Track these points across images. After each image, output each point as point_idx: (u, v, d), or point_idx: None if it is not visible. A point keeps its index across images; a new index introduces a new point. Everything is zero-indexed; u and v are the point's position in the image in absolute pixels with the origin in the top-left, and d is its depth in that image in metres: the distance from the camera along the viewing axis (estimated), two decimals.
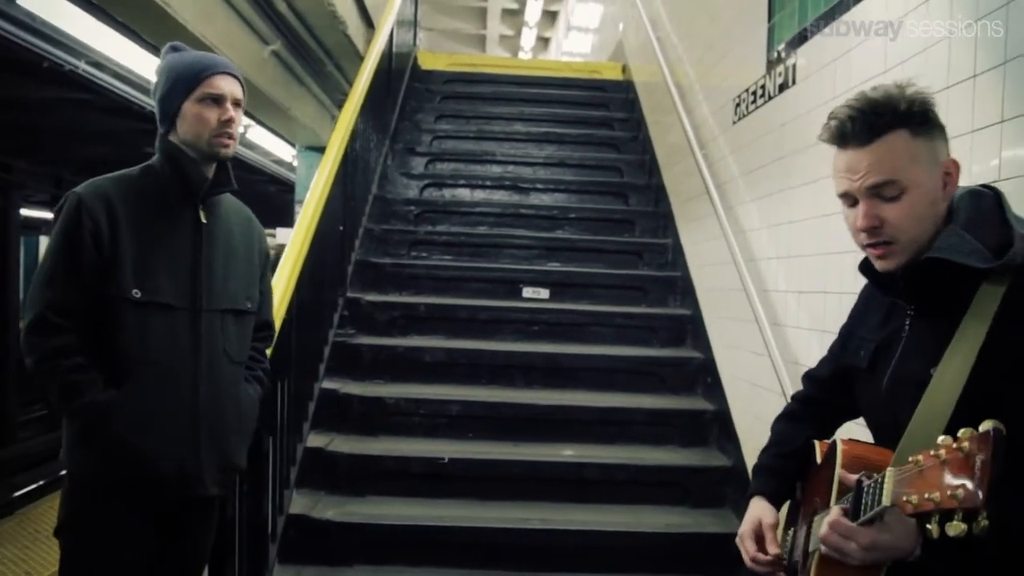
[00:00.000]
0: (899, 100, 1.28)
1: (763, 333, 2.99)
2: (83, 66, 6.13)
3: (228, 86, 1.94)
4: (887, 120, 1.27)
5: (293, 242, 3.26)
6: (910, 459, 1.07)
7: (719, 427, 3.72)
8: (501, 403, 3.84)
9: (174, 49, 2.02)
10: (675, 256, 4.75)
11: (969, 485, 0.96)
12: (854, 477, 1.23)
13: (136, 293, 1.84)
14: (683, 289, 4.53)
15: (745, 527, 1.55)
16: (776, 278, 3.11)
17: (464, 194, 5.52)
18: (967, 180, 1.86)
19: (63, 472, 1.94)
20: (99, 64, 6.21)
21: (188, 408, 1.91)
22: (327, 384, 3.80)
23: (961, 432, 1.01)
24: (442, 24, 16.42)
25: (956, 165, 1.32)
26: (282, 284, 3.04)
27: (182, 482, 1.91)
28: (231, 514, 2.43)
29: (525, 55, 17.67)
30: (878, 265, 1.35)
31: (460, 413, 3.78)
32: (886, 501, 1.09)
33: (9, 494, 7.86)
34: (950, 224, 1.30)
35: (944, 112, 1.98)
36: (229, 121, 1.93)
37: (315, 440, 3.55)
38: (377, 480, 3.48)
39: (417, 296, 4.52)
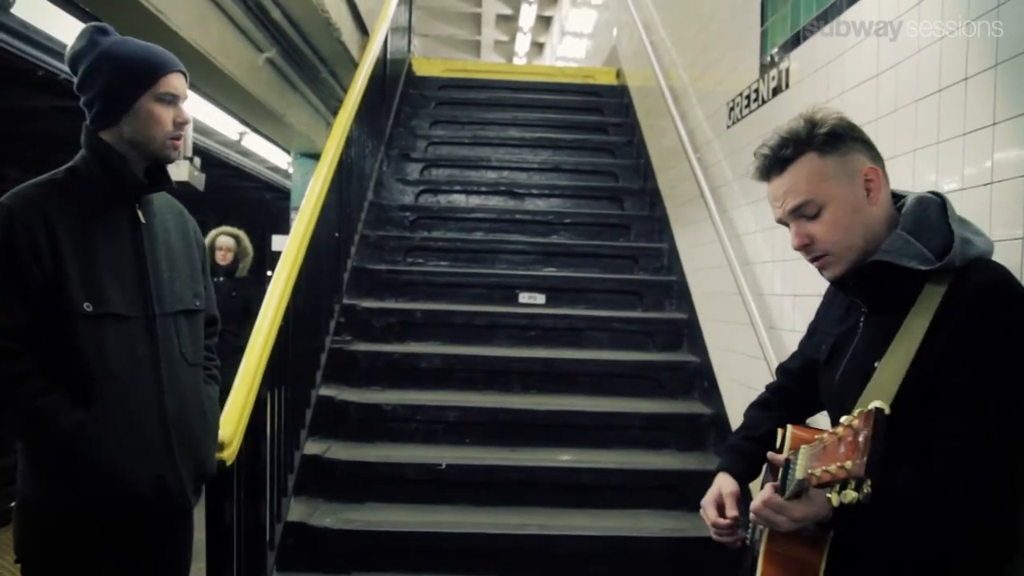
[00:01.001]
0: (801, 129, 1.41)
1: (759, 336, 2.99)
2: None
3: (182, 85, 1.85)
4: (793, 149, 1.41)
5: (288, 249, 3.27)
6: (815, 438, 1.24)
7: (716, 431, 3.72)
8: (498, 408, 3.84)
9: (103, 32, 1.83)
10: (671, 260, 4.76)
11: (855, 457, 1.08)
12: (782, 457, 1.41)
13: (87, 307, 1.71)
14: (679, 293, 4.54)
15: (707, 497, 1.66)
16: (772, 282, 3.12)
17: (460, 200, 5.52)
18: (959, 183, 1.88)
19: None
20: None
21: (157, 419, 1.82)
22: (324, 391, 3.80)
23: (855, 411, 1.14)
24: (437, 30, 16.46)
25: (876, 171, 1.42)
26: (278, 291, 3.05)
27: (163, 497, 1.83)
28: (228, 522, 2.43)
29: (520, 60, 17.71)
30: (824, 275, 1.48)
31: (457, 419, 3.78)
32: (798, 475, 1.26)
33: (6, 504, 7.81)
34: (896, 229, 1.39)
35: (935, 115, 2.00)
36: (183, 123, 1.84)
37: (312, 447, 3.55)
38: (375, 487, 3.48)
39: (413, 302, 4.52)
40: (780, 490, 1.36)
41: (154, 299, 1.83)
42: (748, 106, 3.40)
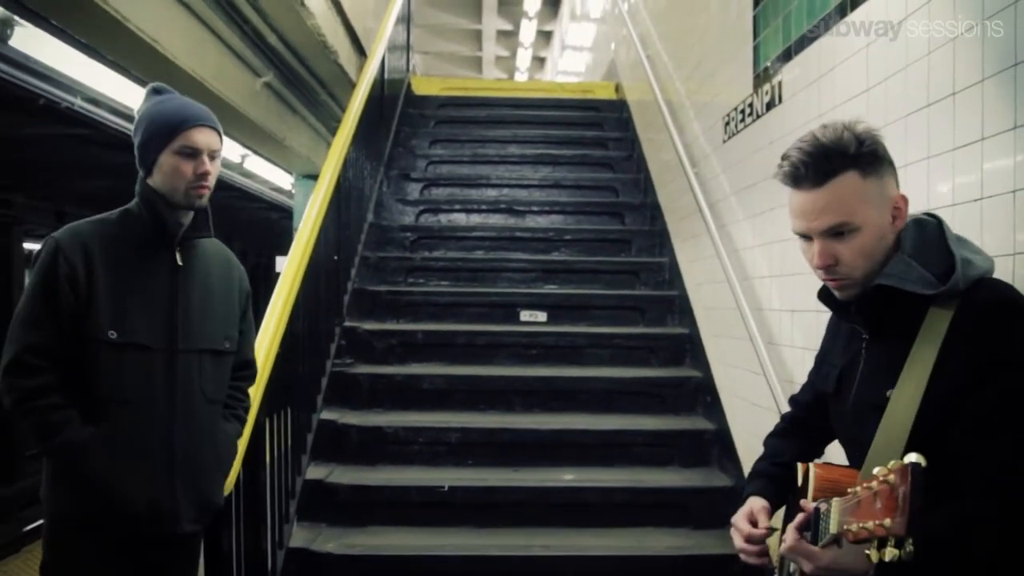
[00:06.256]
0: (848, 143, 1.33)
1: (758, 352, 2.97)
2: (79, 102, 6.19)
3: (205, 139, 1.97)
4: (837, 163, 1.33)
5: (286, 273, 3.27)
6: (849, 490, 1.17)
7: (720, 447, 3.69)
8: (500, 429, 3.82)
9: (156, 92, 2.05)
10: (672, 275, 4.75)
11: (894, 515, 1.05)
12: (812, 505, 1.34)
13: (112, 334, 1.87)
14: (680, 308, 4.52)
15: (738, 514, 1.61)
16: (770, 297, 3.10)
17: (460, 219, 5.52)
18: (950, 196, 1.87)
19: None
20: (95, 100, 6.26)
21: (163, 446, 1.94)
22: (326, 415, 3.79)
23: (890, 464, 1.08)
24: (438, 47, 16.54)
25: (904, 200, 1.38)
26: (276, 316, 3.05)
27: (156, 519, 1.93)
28: (226, 551, 2.42)
29: (521, 75, 17.78)
30: (838, 295, 1.43)
31: (459, 440, 3.76)
32: (833, 529, 1.21)
33: (18, 530, 7.82)
34: (898, 252, 1.37)
35: (925, 130, 1.99)
36: (204, 175, 1.96)
37: (315, 472, 3.54)
38: (378, 510, 3.47)
39: (415, 323, 4.52)
40: (812, 539, 1.32)
41: (180, 335, 1.98)
42: (743, 120, 3.40)
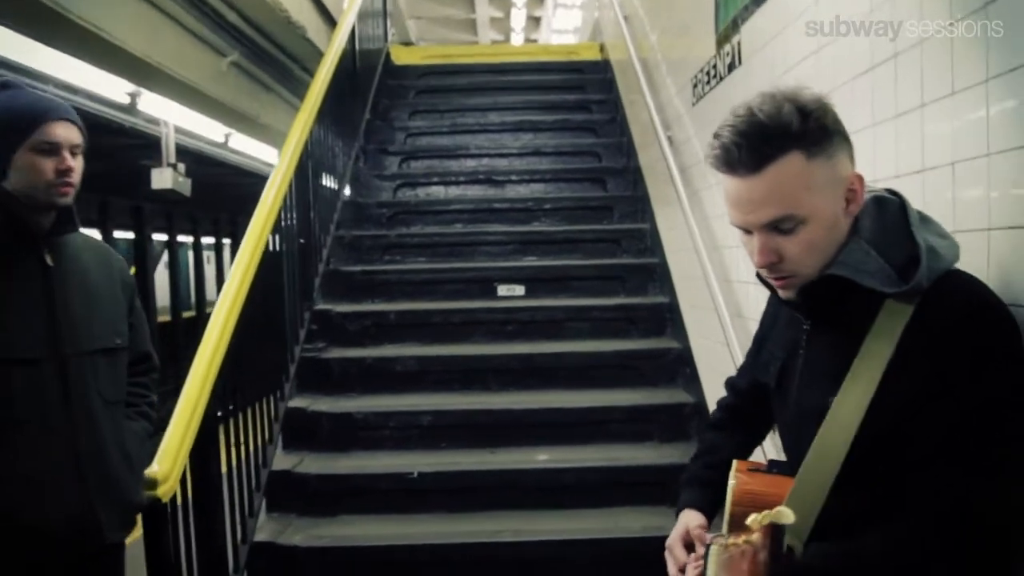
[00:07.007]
0: (789, 118, 1.12)
1: (723, 324, 2.87)
2: (51, 90, 6.07)
3: (64, 133, 1.83)
4: (777, 144, 1.12)
5: (237, 263, 3.16)
6: (721, 542, 1.11)
7: (699, 420, 3.58)
8: (474, 410, 3.74)
9: (4, 87, 1.88)
10: (653, 242, 4.61)
11: None
12: (707, 540, 1.23)
13: None
14: (661, 276, 4.39)
15: (672, 536, 1.44)
16: (738, 267, 2.98)
17: (439, 191, 5.40)
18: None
19: None
20: (68, 86, 6.14)
21: (70, 460, 1.83)
22: (295, 403, 3.71)
23: (762, 516, 1.02)
24: (432, 12, 16.23)
25: (860, 180, 1.18)
26: (226, 307, 2.95)
27: (78, 535, 1.84)
28: (171, 559, 2.35)
29: (517, 36, 17.49)
30: (782, 295, 1.25)
31: (432, 423, 3.68)
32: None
33: None
34: (854, 235, 1.19)
35: (870, 93, 1.84)
36: (67, 171, 1.83)
37: (284, 462, 3.47)
38: (348, 499, 3.41)
39: (389, 303, 4.42)
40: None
41: (66, 340, 1.85)
42: (708, 83, 3.24)
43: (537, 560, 3.13)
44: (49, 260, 1.87)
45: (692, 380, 3.73)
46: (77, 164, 1.86)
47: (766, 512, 1.02)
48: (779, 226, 1.15)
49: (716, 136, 1.18)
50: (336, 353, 4.05)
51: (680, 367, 3.90)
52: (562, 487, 3.42)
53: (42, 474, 1.79)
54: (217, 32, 4.94)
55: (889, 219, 1.20)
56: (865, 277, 1.15)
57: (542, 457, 3.53)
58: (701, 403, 3.55)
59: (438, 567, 3.13)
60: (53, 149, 1.81)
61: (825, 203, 1.15)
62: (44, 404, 1.80)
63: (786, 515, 0.99)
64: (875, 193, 1.23)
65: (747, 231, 1.20)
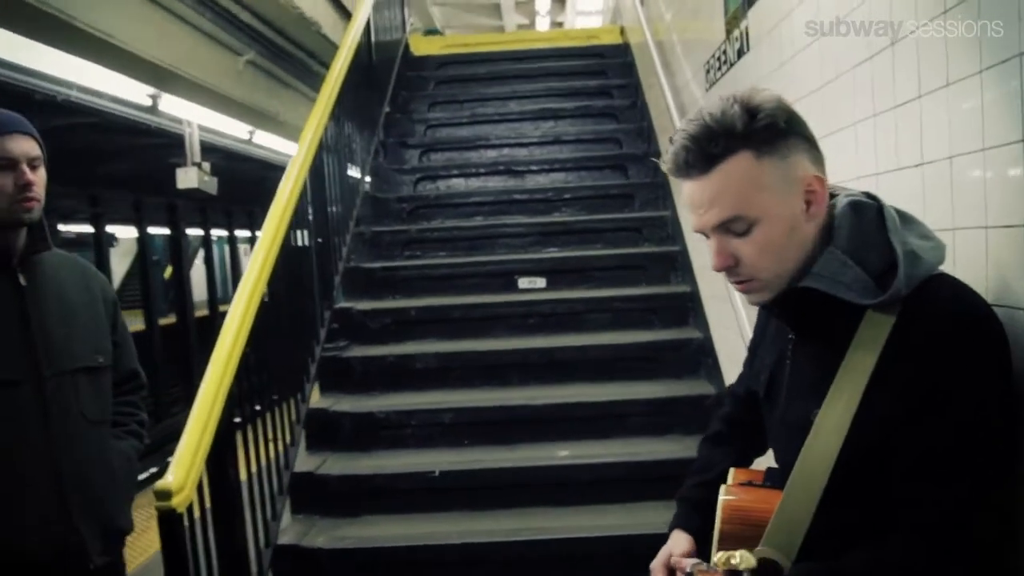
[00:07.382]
0: (734, 119, 1.11)
1: (737, 315, 2.82)
2: (75, 94, 6.14)
3: (20, 147, 1.79)
4: (723, 144, 1.11)
5: (250, 269, 3.16)
6: (701, 571, 1.15)
7: None
8: (496, 407, 3.71)
9: None
10: (674, 229, 4.54)
11: None
12: (688, 562, 1.30)
13: None
14: (683, 264, 4.32)
15: (656, 561, 1.42)
16: None
17: (459, 184, 5.36)
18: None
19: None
20: (91, 90, 6.22)
21: (51, 483, 1.80)
22: (317, 403, 3.73)
23: (719, 558, 1.04)
24: None
25: (820, 181, 1.15)
26: (240, 311, 2.95)
27: (64, 561, 1.82)
28: (188, 569, 2.37)
29: (543, 19, 17.34)
30: (748, 300, 1.23)
31: (454, 421, 3.67)
32: None
33: None
34: (830, 244, 1.15)
35: (890, 68, 1.77)
36: (27, 185, 1.78)
37: (307, 463, 3.49)
38: (370, 499, 3.41)
39: (410, 299, 4.41)
40: None
41: (43, 361, 1.82)
42: (719, 68, 3.17)
43: (563, 557, 3.10)
44: (23, 280, 1.84)
45: (714, 370, 3.67)
46: (38, 177, 1.82)
47: (724, 554, 1.03)
48: (731, 227, 1.15)
49: (670, 141, 1.18)
50: (358, 352, 4.05)
51: (702, 358, 3.84)
52: (586, 483, 3.39)
53: (22, 498, 1.77)
54: (231, 32, 4.95)
55: (866, 224, 1.16)
56: (841, 289, 1.13)
57: (563, 453, 3.50)
58: (723, 395, 3.49)
59: (462, 567, 3.13)
60: (10, 164, 1.77)
61: (778, 203, 1.13)
62: (23, 426, 1.77)
63: (746, 560, 0.99)
64: (853, 198, 1.20)
65: (706, 235, 1.20)
